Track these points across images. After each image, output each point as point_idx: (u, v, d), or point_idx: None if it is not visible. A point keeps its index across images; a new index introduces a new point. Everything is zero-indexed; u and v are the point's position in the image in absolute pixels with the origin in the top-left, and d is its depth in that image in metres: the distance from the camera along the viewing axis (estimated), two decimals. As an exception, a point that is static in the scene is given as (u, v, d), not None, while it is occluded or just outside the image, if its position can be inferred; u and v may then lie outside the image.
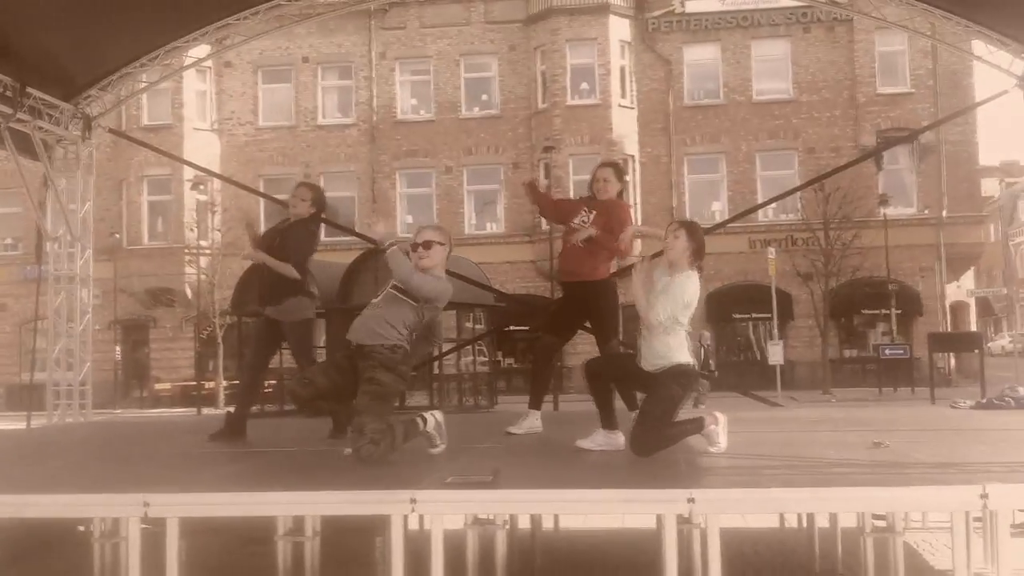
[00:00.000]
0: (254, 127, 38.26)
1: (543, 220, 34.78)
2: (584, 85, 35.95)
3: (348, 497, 5.35)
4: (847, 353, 35.26)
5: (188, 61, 14.77)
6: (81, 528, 7.58)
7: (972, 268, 39.27)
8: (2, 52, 10.84)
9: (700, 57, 37.01)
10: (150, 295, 36.64)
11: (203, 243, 34.75)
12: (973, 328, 37.76)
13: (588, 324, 7.86)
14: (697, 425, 6.63)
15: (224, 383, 32.93)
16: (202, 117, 37.64)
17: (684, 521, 5.91)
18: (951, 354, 32.97)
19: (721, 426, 6.68)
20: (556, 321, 8.01)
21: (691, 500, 5.01)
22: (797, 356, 33.84)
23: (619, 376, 6.99)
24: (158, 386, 35.96)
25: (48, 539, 7.82)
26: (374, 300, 6.66)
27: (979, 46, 11.96)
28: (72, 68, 12.17)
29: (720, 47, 36.78)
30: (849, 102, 35.80)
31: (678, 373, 6.47)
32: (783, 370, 29.84)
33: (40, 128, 11.95)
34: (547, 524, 8.45)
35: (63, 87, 12.27)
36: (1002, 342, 52.23)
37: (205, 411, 26.40)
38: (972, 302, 38.88)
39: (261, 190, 37.11)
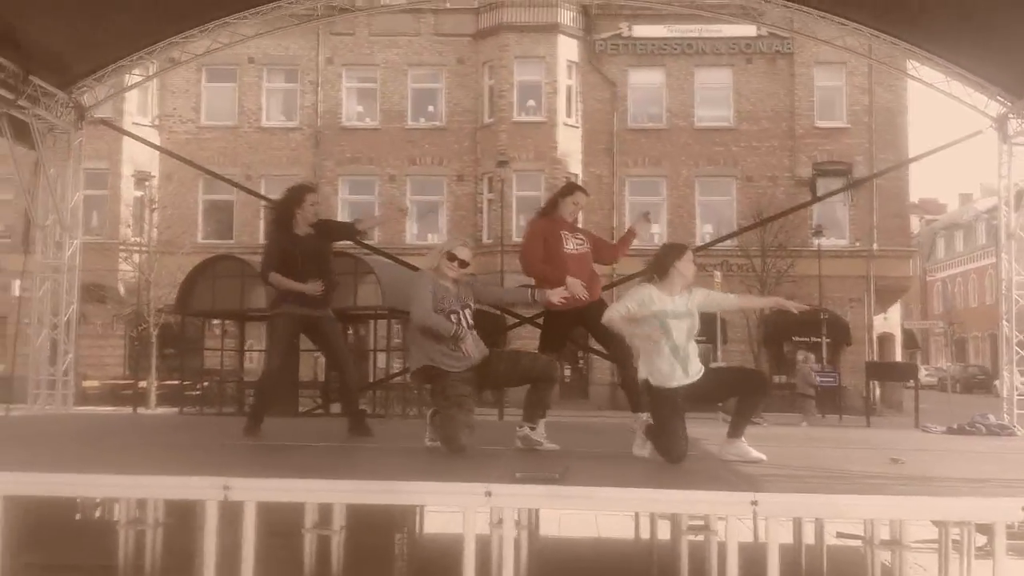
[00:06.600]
0: (196, 125, 37.81)
1: (484, 233, 35.48)
2: (530, 102, 36.33)
3: (430, 488, 5.56)
4: (777, 379, 35.80)
5: (185, 57, 14.76)
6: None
7: (899, 301, 40.35)
8: (7, 39, 10.78)
9: (645, 81, 37.62)
10: (81, 290, 35.82)
11: (139, 240, 34.16)
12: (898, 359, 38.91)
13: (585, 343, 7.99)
14: None
15: (155, 383, 32.46)
16: (143, 112, 37.00)
17: (698, 530, 6.27)
18: (877, 384, 33.87)
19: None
20: (552, 340, 7.95)
21: (755, 503, 5.30)
22: (729, 380, 34.31)
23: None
24: (86, 383, 35.16)
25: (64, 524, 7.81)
26: None
27: (957, 87, 12.54)
28: (69, 57, 12.10)
29: (665, 72, 37.43)
30: (787, 133, 36.68)
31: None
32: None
33: (36, 116, 11.86)
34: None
35: (60, 75, 12.19)
36: (921, 375, 53.65)
37: (140, 411, 26.07)
38: (898, 333, 39.95)
39: (200, 190, 37.23)
